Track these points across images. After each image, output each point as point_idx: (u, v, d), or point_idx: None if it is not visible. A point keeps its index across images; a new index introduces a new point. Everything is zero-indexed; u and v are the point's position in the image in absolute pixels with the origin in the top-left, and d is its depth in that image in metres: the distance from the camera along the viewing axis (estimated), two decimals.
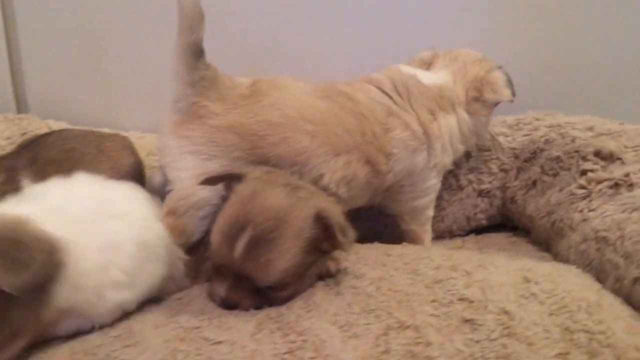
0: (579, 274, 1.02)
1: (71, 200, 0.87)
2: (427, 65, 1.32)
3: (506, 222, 1.49)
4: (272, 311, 0.87)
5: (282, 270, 0.87)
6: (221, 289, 0.89)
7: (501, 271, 0.94)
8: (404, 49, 1.37)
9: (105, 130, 1.44)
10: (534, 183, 1.38)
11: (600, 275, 1.05)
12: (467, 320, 0.81)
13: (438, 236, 1.44)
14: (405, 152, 1.16)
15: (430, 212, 1.28)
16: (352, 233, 0.91)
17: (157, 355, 0.76)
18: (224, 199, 0.96)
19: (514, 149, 1.46)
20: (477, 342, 0.77)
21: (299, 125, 1.07)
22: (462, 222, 1.47)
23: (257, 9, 1.55)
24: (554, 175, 1.33)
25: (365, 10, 1.59)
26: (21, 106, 1.62)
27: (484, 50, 1.34)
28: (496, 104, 1.29)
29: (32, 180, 1.02)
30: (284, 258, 0.86)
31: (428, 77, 1.25)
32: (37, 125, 1.43)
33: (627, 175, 1.16)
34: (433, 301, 0.85)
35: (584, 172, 1.24)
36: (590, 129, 1.34)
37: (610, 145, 1.24)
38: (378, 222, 1.39)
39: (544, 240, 1.31)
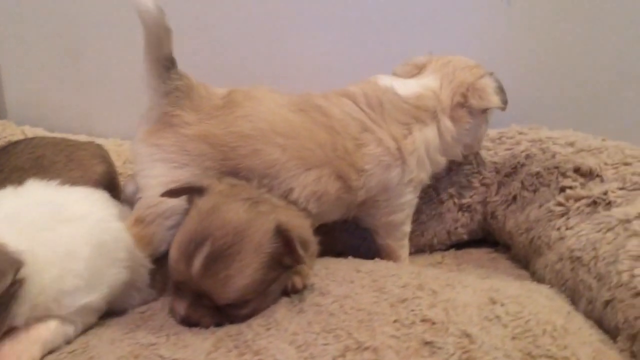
0: (551, 295, 1.00)
1: (24, 208, 0.85)
2: (419, 69, 1.29)
3: (487, 237, 1.47)
4: (231, 328, 0.86)
5: (242, 286, 0.85)
6: (181, 308, 0.88)
7: (468, 291, 0.92)
8: (395, 58, 1.35)
9: (83, 137, 1.43)
10: (514, 198, 1.36)
11: (574, 296, 1.03)
12: (427, 343, 0.79)
13: (418, 250, 1.42)
14: (378, 168, 1.14)
15: (407, 228, 1.26)
16: (314, 247, 0.89)
17: None
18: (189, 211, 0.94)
19: (495, 163, 1.43)
20: None
21: (270, 138, 1.06)
22: (442, 236, 1.45)
23: (248, 16, 1.55)
24: (534, 191, 1.30)
25: (359, 16, 1.58)
26: None
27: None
28: (484, 111, 1.25)
29: None
30: (243, 274, 0.85)
31: (406, 87, 1.21)
32: (11, 131, 1.43)
33: (605, 193, 1.13)
34: (395, 321, 0.84)
35: (562, 189, 1.22)
36: (572, 144, 1.31)
37: (589, 162, 1.21)
38: (356, 235, 1.38)
39: (523, 257, 1.29)
